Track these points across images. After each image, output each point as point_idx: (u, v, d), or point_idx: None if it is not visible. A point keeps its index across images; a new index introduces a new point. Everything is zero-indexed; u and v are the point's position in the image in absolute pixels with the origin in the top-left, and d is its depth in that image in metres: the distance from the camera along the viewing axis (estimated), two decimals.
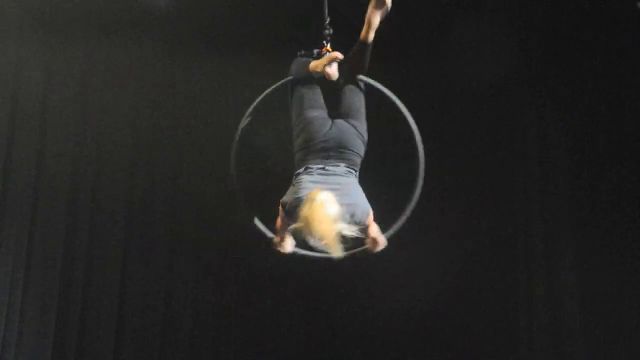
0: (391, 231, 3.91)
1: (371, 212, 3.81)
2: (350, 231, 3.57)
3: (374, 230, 3.84)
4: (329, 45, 4.17)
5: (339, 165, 3.84)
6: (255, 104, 4.15)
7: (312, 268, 6.58)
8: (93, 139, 6.55)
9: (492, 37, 6.40)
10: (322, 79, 4.01)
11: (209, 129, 6.92)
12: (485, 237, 6.73)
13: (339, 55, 3.97)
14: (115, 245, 6.45)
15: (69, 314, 6.21)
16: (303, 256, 4.28)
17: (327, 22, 4.20)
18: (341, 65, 4.00)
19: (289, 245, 3.88)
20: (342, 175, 3.83)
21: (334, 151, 3.84)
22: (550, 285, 6.40)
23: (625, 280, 6.16)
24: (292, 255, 3.93)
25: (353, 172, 3.89)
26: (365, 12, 3.92)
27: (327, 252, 3.62)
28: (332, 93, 4.07)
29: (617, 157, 6.39)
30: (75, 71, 6.53)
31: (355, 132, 3.90)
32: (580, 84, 6.58)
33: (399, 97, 4.08)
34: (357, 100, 4.04)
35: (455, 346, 6.63)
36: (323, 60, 3.98)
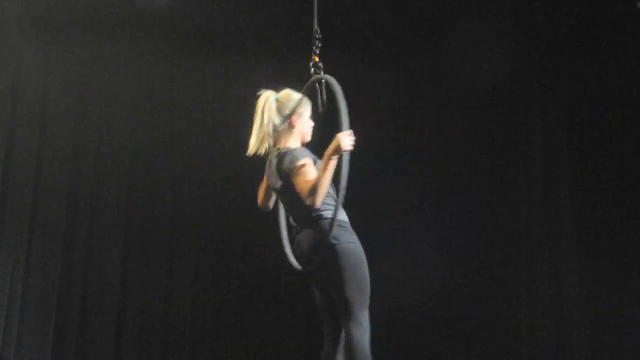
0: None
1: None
2: None
3: None
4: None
5: None
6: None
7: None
8: (93, 139, 6.55)
9: (494, 36, 6.40)
10: None
11: (209, 129, 6.92)
12: (487, 236, 6.72)
13: None
14: (115, 245, 6.45)
15: (69, 314, 6.21)
16: None
17: (317, 29, 4.00)
18: None
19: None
20: None
21: None
22: (552, 286, 6.38)
23: (629, 280, 6.15)
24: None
25: None
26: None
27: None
28: None
29: (620, 156, 6.38)
30: (75, 71, 6.53)
31: None
32: (582, 83, 6.57)
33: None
34: None
35: (455, 346, 6.62)
36: None
